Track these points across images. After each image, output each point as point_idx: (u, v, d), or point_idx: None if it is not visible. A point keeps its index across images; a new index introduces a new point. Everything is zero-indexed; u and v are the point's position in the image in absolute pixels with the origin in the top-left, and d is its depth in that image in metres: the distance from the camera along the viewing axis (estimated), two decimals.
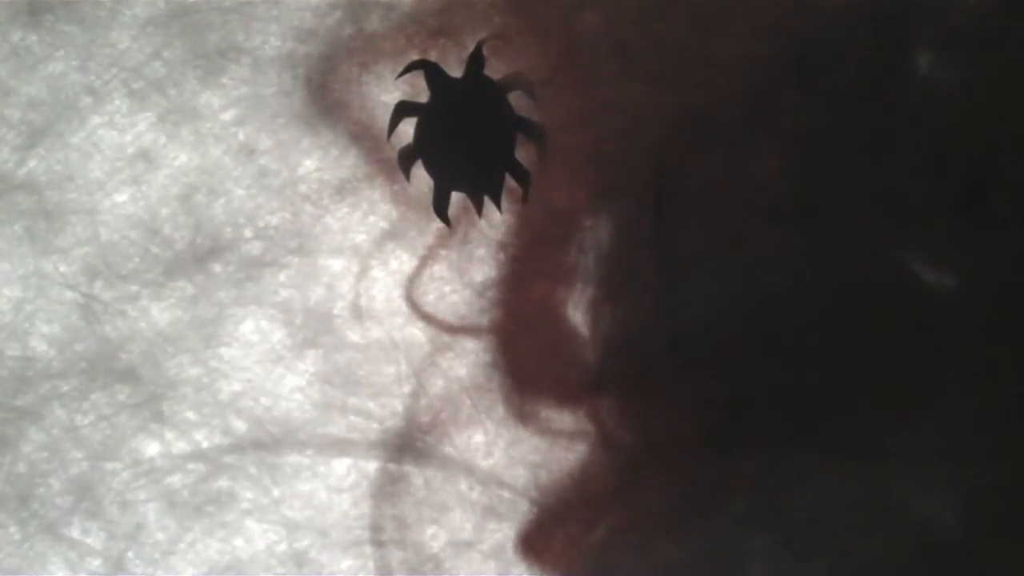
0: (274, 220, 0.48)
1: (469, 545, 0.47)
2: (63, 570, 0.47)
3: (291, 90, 0.48)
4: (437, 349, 0.48)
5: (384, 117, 0.47)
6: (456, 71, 0.46)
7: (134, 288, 0.48)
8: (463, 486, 0.47)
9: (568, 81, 0.47)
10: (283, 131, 0.48)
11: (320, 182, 0.48)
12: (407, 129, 0.46)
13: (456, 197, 0.47)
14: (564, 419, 0.47)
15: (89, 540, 0.47)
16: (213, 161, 0.48)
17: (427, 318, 0.48)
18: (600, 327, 0.47)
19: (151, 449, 0.48)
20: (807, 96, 0.46)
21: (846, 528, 0.44)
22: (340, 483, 0.48)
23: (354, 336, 0.48)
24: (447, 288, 0.48)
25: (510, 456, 0.47)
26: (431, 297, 0.48)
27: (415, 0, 0.48)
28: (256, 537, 0.48)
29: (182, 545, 0.47)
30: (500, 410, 0.47)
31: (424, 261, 0.48)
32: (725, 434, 0.46)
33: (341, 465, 0.48)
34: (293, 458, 0.48)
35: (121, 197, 0.48)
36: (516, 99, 0.46)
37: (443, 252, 0.48)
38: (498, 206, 0.46)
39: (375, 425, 0.48)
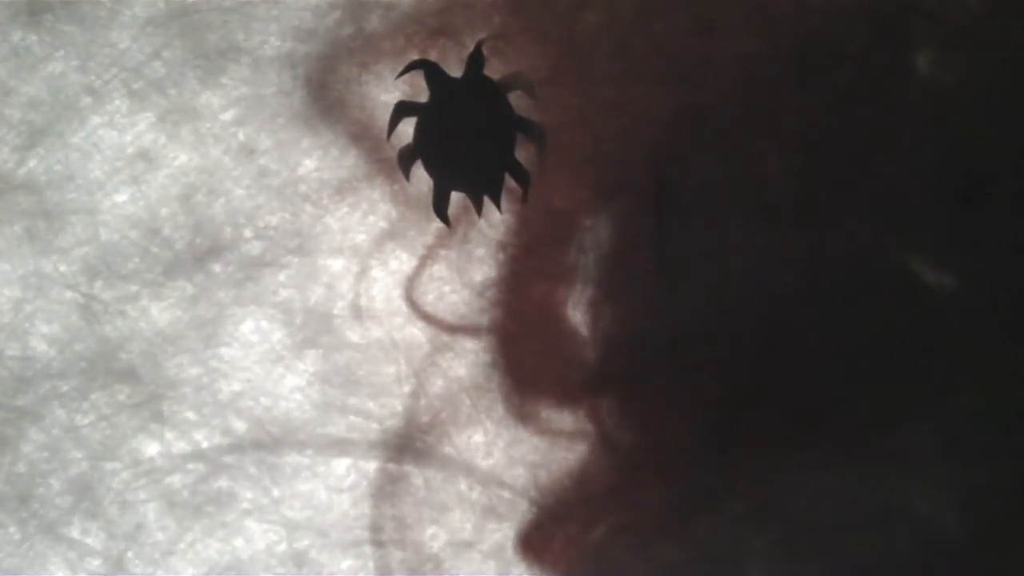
0: (274, 220, 0.48)
1: (469, 545, 0.47)
2: (63, 570, 0.47)
3: (291, 90, 0.48)
4: (437, 349, 0.48)
5: (384, 117, 0.46)
6: (456, 71, 0.46)
7: (134, 288, 0.48)
8: (463, 486, 0.47)
9: (568, 81, 0.47)
10: (283, 131, 0.48)
11: (320, 182, 0.48)
12: (407, 129, 0.46)
13: (456, 197, 0.47)
14: (564, 419, 0.47)
15: (89, 540, 0.47)
16: (213, 161, 0.48)
17: (427, 317, 0.48)
18: (600, 327, 0.47)
19: (151, 449, 0.48)
20: (807, 96, 0.46)
21: (846, 528, 0.44)
22: (340, 483, 0.48)
23: (354, 336, 0.48)
24: (447, 288, 0.48)
25: (510, 456, 0.47)
26: (431, 297, 0.48)
27: (415, 0, 0.48)
28: (256, 537, 0.48)
29: (182, 545, 0.47)
30: (500, 410, 0.47)
31: (424, 261, 0.48)
32: (725, 434, 0.46)
33: (341, 465, 0.48)
34: (293, 458, 0.48)
35: (121, 197, 0.48)
36: (516, 99, 0.46)
37: (443, 252, 0.48)
38: (498, 206, 0.46)
39: (375, 425, 0.48)
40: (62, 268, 0.48)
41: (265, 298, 0.48)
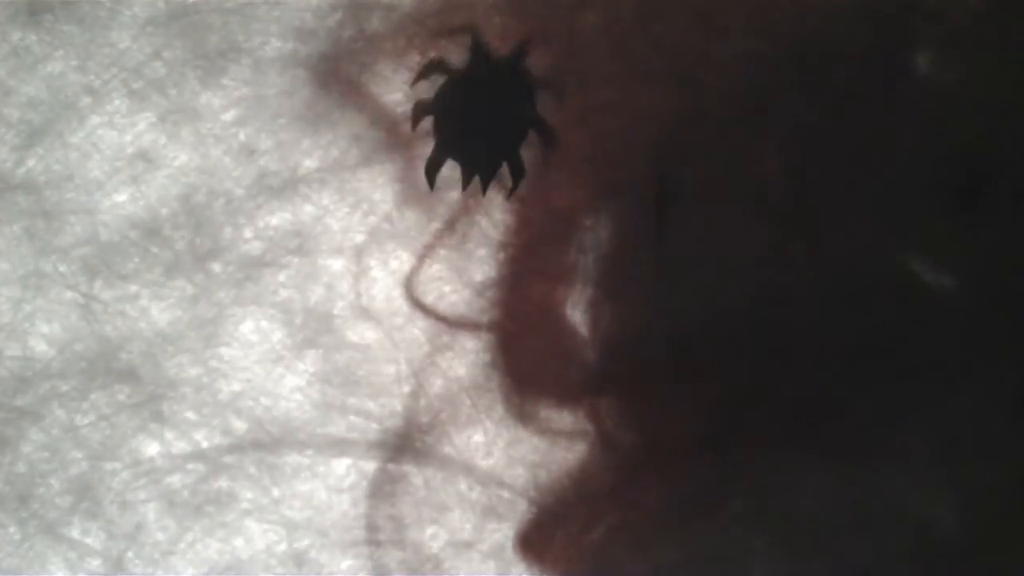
0: (274, 220, 0.48)
1: (469, 545, 0.47)
2: (63, 570, 0.47)
3: (292, 91, 0.48)
4: (437, 349, 0.48)
5: (384, 118, 0.47)
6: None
7: (134, 288, 0.48)
8: (463, 486, 0.47)
9: (568, 81, 0.47)
10: (283, 131, 0.48)
11: (320, 182, 0.48)
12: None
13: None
14: (563, 419, 0.47)
15: (89, 540, 0.47)
16: (213, 161, 0.48)
17: (427, 312, 0.47)
18: (600, 327, 0.47)
19: (151, 449, 0.48)
20: (807, 96, 0.46)
21: (846, 528, 0.44)
22: (340, 483, 0.48)
23: (354, 336, 0.48)
24: (447, 288, 0.48)
25: (509, 456, 0.47)
26: (431, 297, 0.48)
27: (415, 1, 0.48)
28: (256, 537, 0.48)
29: (182, 545, 0.47)
30: (500, 410, 0.47)
31: (423, 261, 0.48)
32: (725, 434, 0.45)
33: (341, 465, 0.48)
34: (293, 458, 0.48)
35: (121, 197, 0.48)
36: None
37: (443, 252, 0.48)
38: (483, 190, 0.46)
39: (375, 425, 0.48)
40: (62, 268, 0.48)
41: (265, 298, 0.48)
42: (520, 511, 0.47)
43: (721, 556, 0.44)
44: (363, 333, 0.48)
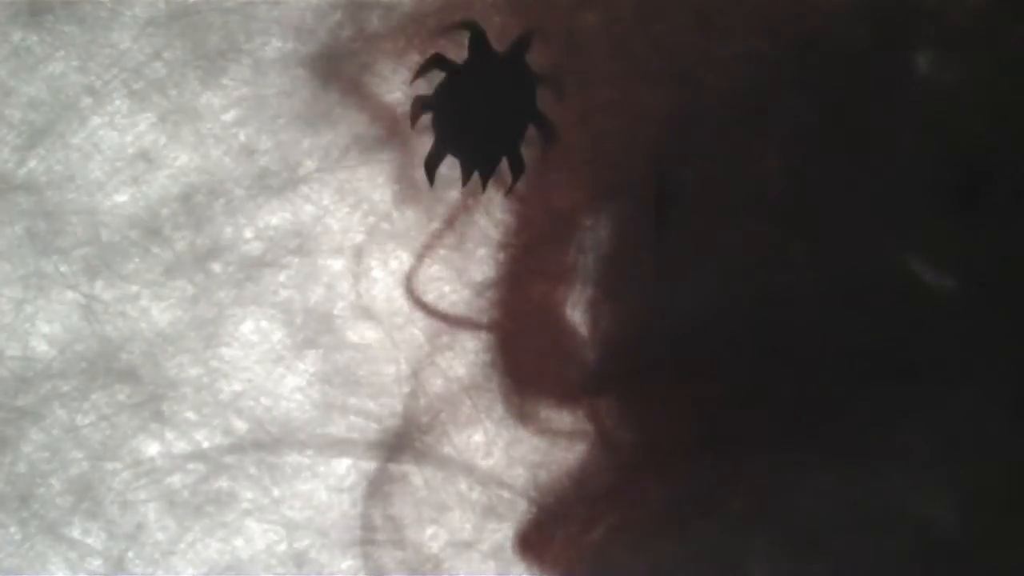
0: (274, 220, 0.48)
1: (469, 545, 0.47)
2: (63, 570, 0.47)
3: (292, 91, 0.48)
4: (437, 349, 0.48)
5: (384, 117, 0.47)
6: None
7: (134, 288, 0.48)
8: (462, 486, 0.47)
9: (568, 81, 0.47)
10: (284, 132, 0.48)
11: (320, 182, 0.48)
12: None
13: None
14: (563, 419, 0.47)
15: (89, 540, 0.47)
16: (213, 161, 0.48)
17: (427, 311, 0.47)
18: (600, 327, 0.47)
19: (151, 449, 0.48)
20: (807, 96, 0.46)
21: (846, 528, 0.44)
22: (340, 483, 0.48)
23: (354, 336, 0.48)
24: (447, 288, 0.48)
25: (509, 456, 0.47)
26: (431, 297, 0.48)
27: (415, 0, 0.48)
28: (256, 537, 0.48)
29: (182, 545, 0.47)
30: (500, 410, 0.47)
31: (423, 260, 0.48)
32: (725, 434, 0.45)
33: (341, 465, 0.48)
34: (293, 458, 0.48)
35: (121, 197, 0.48)
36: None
37: (443, 252, 0.48)
38: (483, 186, 0.46)
39: (374, 425, 0.48)
40: (63, 268, 0.48)
41: (265, 298, 0.48)
42: (520, 511, 0.47)
43: (721, 556, 0.44)
44: (363, 333, 0.48)
